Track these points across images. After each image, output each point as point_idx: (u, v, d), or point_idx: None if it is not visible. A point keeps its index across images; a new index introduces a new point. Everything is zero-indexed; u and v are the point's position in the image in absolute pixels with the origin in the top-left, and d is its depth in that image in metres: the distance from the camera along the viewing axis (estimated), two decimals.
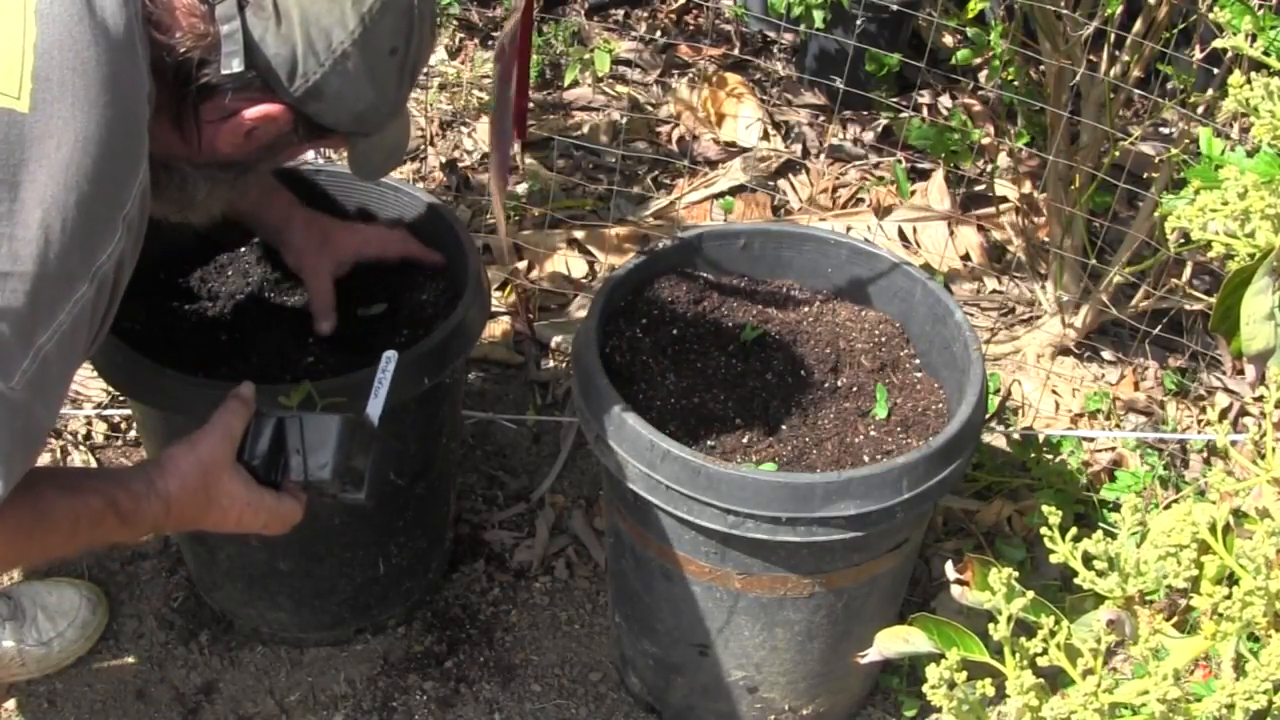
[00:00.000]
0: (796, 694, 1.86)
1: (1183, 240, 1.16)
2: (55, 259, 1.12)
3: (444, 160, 2.89)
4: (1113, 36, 2.30)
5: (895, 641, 1.13)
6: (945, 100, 3.21)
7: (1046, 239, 2.66)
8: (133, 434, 2.31)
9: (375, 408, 1.51)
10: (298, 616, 2.01)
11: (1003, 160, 2.93)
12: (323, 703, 1.98)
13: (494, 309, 2.49)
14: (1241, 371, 2.57)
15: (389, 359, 1.53)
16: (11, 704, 1.95)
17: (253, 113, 1.31)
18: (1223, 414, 2.50)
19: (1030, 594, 1.00)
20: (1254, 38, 1.83)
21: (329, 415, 1.46)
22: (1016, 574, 1.02)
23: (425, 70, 1.46)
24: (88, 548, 1.79)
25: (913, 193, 2.87)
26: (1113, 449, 2.43)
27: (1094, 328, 2.60)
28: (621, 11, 3.42)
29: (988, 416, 2.39)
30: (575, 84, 3.14)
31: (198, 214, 1.44)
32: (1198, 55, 2.33)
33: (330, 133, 1.38)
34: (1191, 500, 1.80)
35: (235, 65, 1.25)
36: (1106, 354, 2.62)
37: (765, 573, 1.65)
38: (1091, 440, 2.43)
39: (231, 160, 1.37)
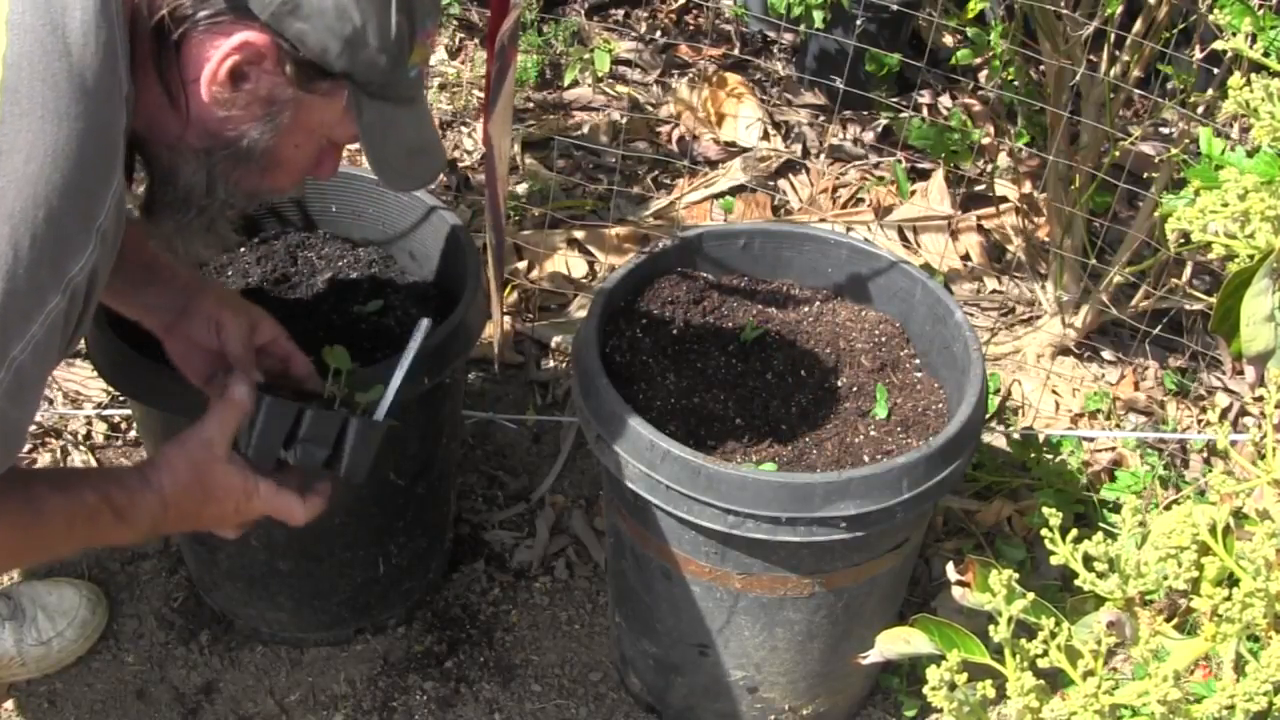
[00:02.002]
0: (796, 694, 1.86)
1: (1183, 241, 1.16)
2: (25, 273, 1.12)
3: None
4: (1113, 36, 2.30)
5: (896, 643, 1.13)
6: (945, 100, 3.21)
7: (1046, 239, 2.66)
8: (133, 434, 2.31)
9: (398, 378, 1.49)
10: (298, 616, 2.01)
11: (1003, 160, 2.93)
12: (323, 703, 1.99)
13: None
14: (1241, 372, 2.57)
15: (423, 327, 1.51)
16: (11, 704, 1.95)
17: (231, 43, 1.22)
18: (1223, 414, 2.50)
19: (1031, 596, 1.00)
20: (1254, 39, 1.83)
21: (346, 416, 1.44)
22: (1017, 575, 1.02)
23: (440, 19, 1.39)
24: (86, 546, 1.78)
25: (913, 193, 2.87)
26: (1113, 449, 2.43)
27: (1094, 328, 2.60)
28: (621, 11, 3.42)
29: (988, 416, 2.39)
30: (575, 84, 3.14)
31: (209, 235, 1.38)
32: (1198, 55, 2.33)
33: (325, 75, 1.27)
34: (1192, 501, 1.80)
35: None
36: (1106, 354, 2.62)
37: (765, 573, 1.65)
38: (1091, 440, 2.43)
39: (224, 127, 1.28)
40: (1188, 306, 2.51)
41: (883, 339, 1.87)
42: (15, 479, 1.29)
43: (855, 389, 1.81)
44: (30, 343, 1.15)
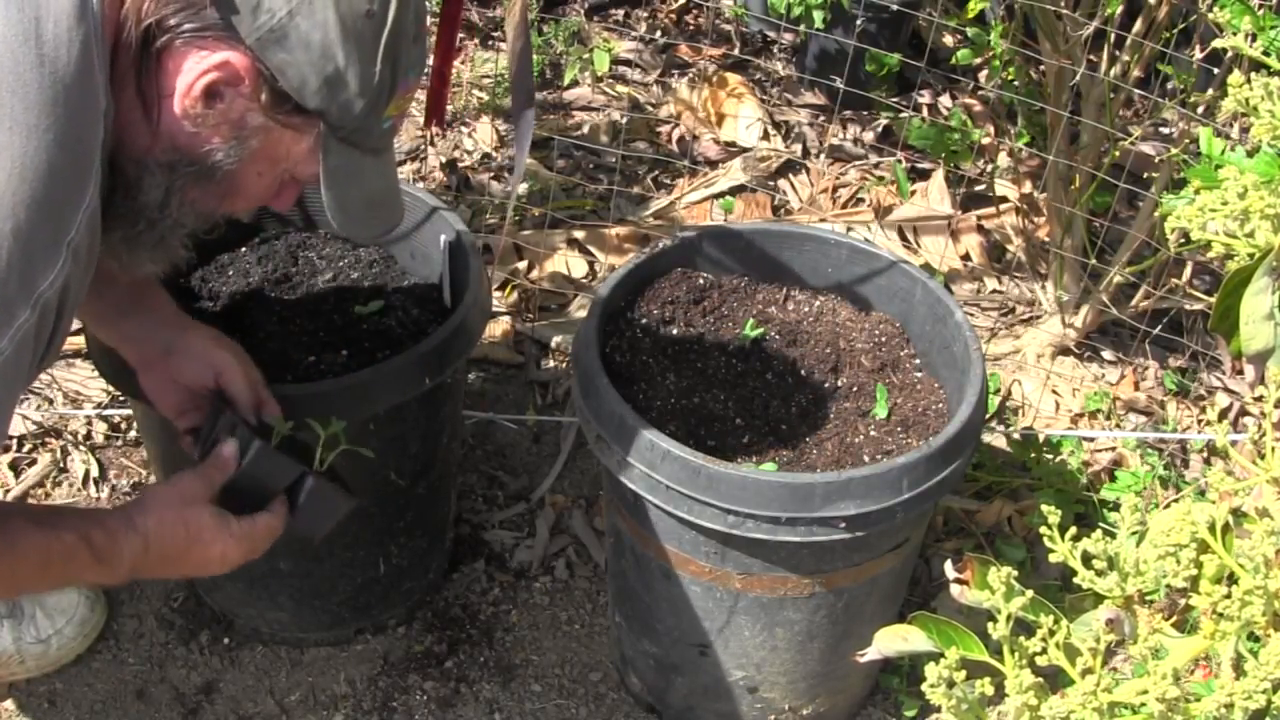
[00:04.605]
0: (796, 694, 1.86)
1: (1183, 240, 1.16)
2: None
3: (444, 160, 2.89)
4: (1113, 36, 2.30)
5: (894, 640, 1.13)
6: (945, 100, 3.21)
7: (1046, 239, 2.66)
8: (133, 434, 2.31)
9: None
10: (298, 616, 2.01)
11: (1003, 160, 2.93)
12: (323, 703, 1.99)
13: (494, 309, 2.49)
14: (1241, 371, 2.57)
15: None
16: (11, 704, 1.95)
17: (212, 60, 1.22)
18: (1223, 414, 2.50)
19: (1029, 593, 1.00)
20: (1254, 37, 1.83)
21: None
22: (1016, 574, 1.02)
23: (424, 71, 1.43)
24: (63, 585, 1.78)
25: (913, 193, 2.87)
26: (1113, 449, 2.43)
27: (1094, 328, 2.60)
28: (621, 11, 3.42)
29: (988, 416, 2.39)
30: (575, 84, 3.14)
31: (156, 251, 1.35)
32: (1198, 55, 2.33)
33: (299, 110, 1.28)
34: (1191, 500, 1.80)
35: None
36: (1106, 354, 2.62)
37: (765, 573, 1.65)
38: (1091, 440, 2.43)
39: (192, 144, 1.28)
40: (1188, 306, 2.51)
41: (883, 339, 1.87)
42: None
43: (855, 389, 1.81)
44: None
